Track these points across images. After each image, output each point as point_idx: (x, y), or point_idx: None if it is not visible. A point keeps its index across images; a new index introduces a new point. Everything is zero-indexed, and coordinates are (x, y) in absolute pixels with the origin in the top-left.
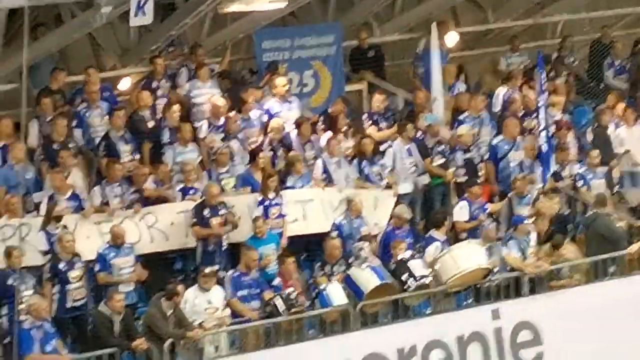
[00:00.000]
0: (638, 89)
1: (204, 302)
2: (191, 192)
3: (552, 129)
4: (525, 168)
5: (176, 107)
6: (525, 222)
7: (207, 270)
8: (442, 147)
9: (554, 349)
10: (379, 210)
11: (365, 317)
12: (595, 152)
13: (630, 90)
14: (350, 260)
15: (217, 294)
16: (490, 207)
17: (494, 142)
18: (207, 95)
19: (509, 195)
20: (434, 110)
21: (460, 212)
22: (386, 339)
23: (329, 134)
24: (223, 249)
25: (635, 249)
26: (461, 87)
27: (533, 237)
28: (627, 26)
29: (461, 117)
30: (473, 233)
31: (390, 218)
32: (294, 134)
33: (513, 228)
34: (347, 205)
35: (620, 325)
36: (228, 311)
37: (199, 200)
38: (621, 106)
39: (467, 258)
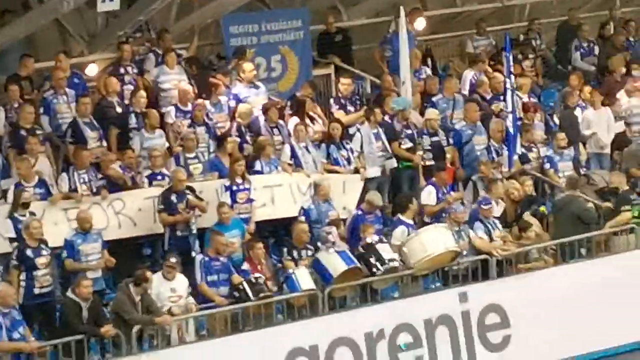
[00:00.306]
0: (605, 71)
1: (167, 290)
2: (159, 177)
3: (520, 111)
4: (493, 151)
5: (143, 93)
6: (491, 204)
7: (171, 261)
8: (410, 130)
9: (522, 332)
10: (347, 194)
11: (333, 302)
12: (562, 135)
13: (597, 73)
14: (318, 245)
15: (180, 283)
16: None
17: (457, 126)
18: (175, 81)
19: (473, 178)
20: (402, 93)
21: (428, 196)
22: (354, 323)
23: (297, 118)
24: (192, 232)
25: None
26: (427, 71)
27: (498, 213)
28: (594, 8)
29: (435, 99)
30: (439, 217)
31: (360, 202)
32: (261, 118)
33: (479, 211)
34: (315, 190)
35: (589, 307)
36: (191, 299)
37: (166, 186)
38: (588, 89)
39: (435, 241)
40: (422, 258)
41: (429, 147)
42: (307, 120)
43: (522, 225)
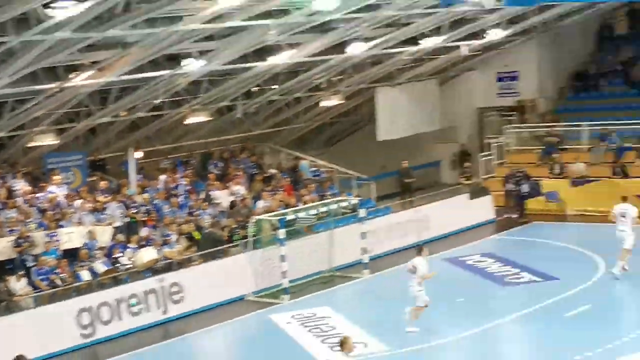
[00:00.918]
0: (225, 175)
1: (17, 285)
2: (12, 232)
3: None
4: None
5: (4, 191)
6: (170, 236)
7: (19, 273)
8: (136, 203)
9: (190, 294)
10: (105, 235)
11: (102, 285)
12: (206, 203)
13: (222, 175)
14: (93, 260)
15: (24, 281)
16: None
17: (156, 202)
18: (21, 185)
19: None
20: (131, 187)
21: (145, 233)
22: (109, 294)
23: (81, 200)
24: (31, 256)
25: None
26: (140, 177)
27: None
28: (221, 144)
29: (146, 190)
30: (149, 242)
31: (112, 239)
32: (64, 201)
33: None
34: (89, 234)
35: (223, 280)
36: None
37: (17, 235)
38: (218, 182)
39: (147, 254)
40: (142, 263)
41: (146, 212)
42: (86, 202)
43: (188, 245)
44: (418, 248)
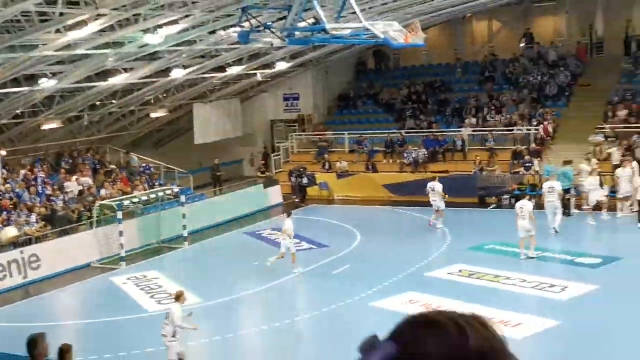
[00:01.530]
0: (75, 169)
1: None
2: None
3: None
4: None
5: None
6: (32, 217)
7: None
8: (1, 192)
9: (47, 263)
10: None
11: None
12: (59, 191)
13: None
14: None
15: None
16: None
17: (17, 190)
18: None
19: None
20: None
21: (8, 214)
22: None
23: None
24: None
25: None
26: (3, 171)
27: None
28: (71, 145)
29: (10, 181)
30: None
31: None
32: None
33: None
34: None
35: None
36: None
37: None
38: (69, 175)
39: (10, 232)
40: (6, 238)
41: (9, 199)
42: None
43: (45, 225)
44: (288, 212)
